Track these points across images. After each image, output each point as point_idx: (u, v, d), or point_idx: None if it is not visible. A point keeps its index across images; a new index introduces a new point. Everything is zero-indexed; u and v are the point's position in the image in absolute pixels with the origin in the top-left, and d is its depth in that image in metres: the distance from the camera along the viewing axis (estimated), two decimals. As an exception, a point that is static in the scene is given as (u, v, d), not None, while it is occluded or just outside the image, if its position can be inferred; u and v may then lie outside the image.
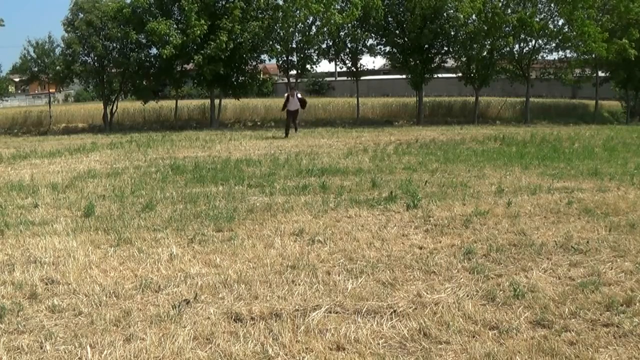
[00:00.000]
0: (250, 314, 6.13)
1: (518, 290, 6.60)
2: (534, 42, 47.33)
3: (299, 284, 6.99)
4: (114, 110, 46.21)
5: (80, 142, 30.93)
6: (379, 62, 56.89)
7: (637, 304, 6.26)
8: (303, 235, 9.36)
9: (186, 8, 39.51)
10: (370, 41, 46.89)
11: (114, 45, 44.17)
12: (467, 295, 6.60)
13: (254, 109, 51.03)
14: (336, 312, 6.15)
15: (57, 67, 45.36)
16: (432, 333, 5.63)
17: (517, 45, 47.16)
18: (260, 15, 42.06)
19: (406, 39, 45.23)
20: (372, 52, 47.41)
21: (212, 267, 7.78)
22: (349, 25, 43.82)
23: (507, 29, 44.60)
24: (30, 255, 8.40)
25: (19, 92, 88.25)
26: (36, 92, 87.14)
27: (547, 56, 50.31)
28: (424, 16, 43.18)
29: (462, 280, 7.15)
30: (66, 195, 13.36)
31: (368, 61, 52.80)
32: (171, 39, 39.11)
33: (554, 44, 47.58)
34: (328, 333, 5.67)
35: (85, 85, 50.34)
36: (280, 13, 41.54)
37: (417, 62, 45.46)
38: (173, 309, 6.27)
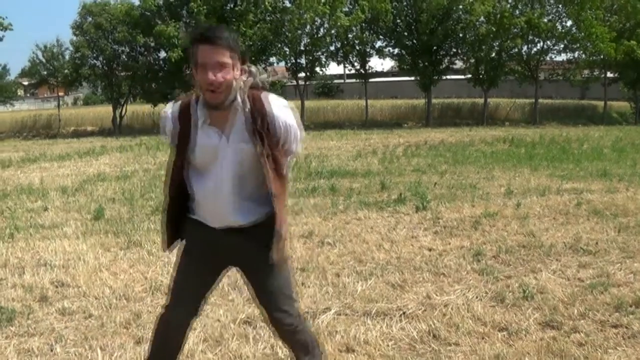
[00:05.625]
0: (260, 316, 6.15)
1: (527, 291, 6.59)
2: (542, 43, 47.36)
3: (309, 286, 7.00)
4: (123, 114, 46.35)
5: (89, 145, 31.04)
6: (387, 64, 56.90)
7: (647, 305, 6.26)
8: (312, 238, 9.36)
9: (195, 10, 39.65)
10: (379, 43, 46.97)
11: (123, 48, 44.30)
12: (477, 297, 6.60)
13: (262, 111, 51.06)
14: (345, 314, 6.16)
15: (66, 71, 45.56)
16: (441, 335, 5.64)
17: (525, 47, 47.18)
18: (268, 18, 42.18)
19: (415, 41, 45.26)
20: (381, 54, 47.45)
21: (221, 269, 7.79)
22: (357, 27, 43.87)
23: (515, 30, 44.61)
24: (40, 258, 8.42)
25: (28, 95, 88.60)
26: (45, 95, 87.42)
27: (555, 57, 50.38)
28: (434, 17, 43.26)
29: (471, 281, 7.15)
30: (76, 199, 13.41)
31: (376, 63, 52.81)
32: (180, 41, 39.24)
33: (562, 45, 47.61)
34: (337, 335, 5.67)
35: (94, 89, 50.54)
36: (288, 15, 41.61)
37: (426, 63, 45.49)
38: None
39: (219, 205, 3.94)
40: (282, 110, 3.96)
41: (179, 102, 4.03)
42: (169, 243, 4.18)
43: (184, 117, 3.94)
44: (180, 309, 4.21)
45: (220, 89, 3.72)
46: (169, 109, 4.01)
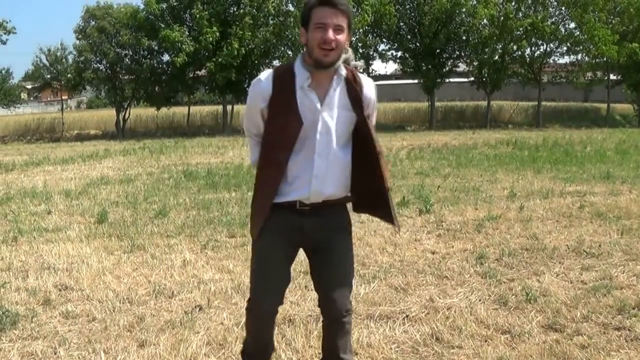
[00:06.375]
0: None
1: (530, 294, 6.60)
2: (545, 45, 47.37)
3: (312, 290, 6.98)
4: (126, 117, 46.35)
5: (93, 148, 31.08)
6: (390, 67, 56.89)
7: (649, 308, 6.26)
8: (315, 241, 9.36)
9: (197, 15, 39.67)
10: (382, 46, 47.03)
11: (126, 52, 44.28)
12: (480, 300, 6.61)
13: (266, 115, 51.09)
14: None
15: (69, 75, 45.58)
16: (444, 337, 5.64)
17: (528, 49, 47.22)
18: (271, 22, 42.18)
19: (418, 44, 45.29)
20: (384, 57, 47.50)
21: (225, 272, 7.80)
22: (360, 30, 43.90)
23: (518, 33, 44.63)
24: (44, 262, 8.44)
25: (32, 99, 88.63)
26: (49, 99, 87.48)
27: (558, 60, 50.40)
28: (437, 20, 43.33)
29: (474, 284, 7.16)
30: (79, 202, 13.42)
31: (380, 66, 52.80)
32: (184, 46, 39.23)
33: (565, 48, 47.63)
34: (341, 338, 5.68)
35: (97, 92, 50.58)
36: (291, 19, 41.62)
37: (429, 66, 45.49)
38: (186, 314, 6.29)
39: (315, 176, 4.01)
40: (370, 85, 4.19)
41: (275, 68, 4.14)
42: (259, 232, 4.18)
43: (283, 80, 4.00)
44: (269, 301, 4.27)
45: (334, 50, 3.84)
46: (263, 74, 4.07)
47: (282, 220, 4.11)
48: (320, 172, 4.00)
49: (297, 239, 4.21)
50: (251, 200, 4.34)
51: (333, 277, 4.27)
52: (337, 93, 4.01)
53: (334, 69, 3.95)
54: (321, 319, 4.52)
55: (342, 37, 3.86)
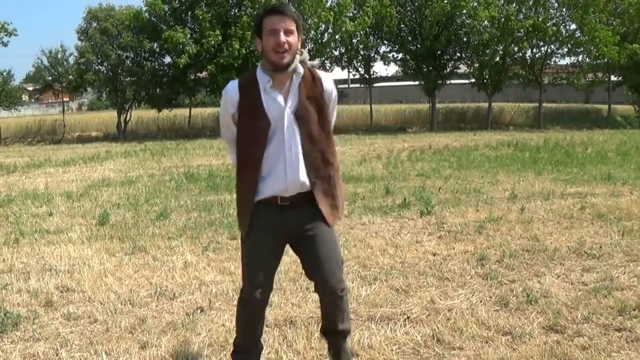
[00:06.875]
0: (265, 321, 6.16)
1: (531, 295, 6.60)
2: (546, 47, 47.32)
3: (313, 291, 6.99)
4: (127, 119, 46.32)
5: (94, 150, 31.10)
6: (392, 68, 56.94)
7: (650, 309, 6.26)
8: (316, 242, 9.35)
9: (200, 17, 39.67)
10: (383, 48, 47.02)
11: (128, 54, 44.23)
12: (481, 301, 6.61)
13: (267, 117, 51.07)
14: (350, 319, 6.17)
15: (70, 76, 45.54)
16: (445, 339, 5.64)
17: (529, 51, 47.18)
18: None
19: (419, 46, 45.27)
20: (385, 59, 47.48)
21: (226, 274, 7.80)
22: (362, 32, 43.90)
23: (519, 34, 44.60)
24: (46, 264, 8.45)
25: (33, 101, 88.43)
26: (50, 100, 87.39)
27: (559, 61, 50.39)
28: (438, 23, 43.32)
29: (475, 286, 7.16)
30: (81, 204, 13.43)
31: (381, 68, 52.82)
32: (187, 48, 39.24)
33: (565, 49, 47.60)
34: (342, 339, 5.68)
35: (98, 94, 50.52)
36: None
37: (430, 68, 45.49)
38: (188, 316, 6.30)
39: (288, 166, 4.35)
40: (329, 79, 4.55)
41: (240, 77, 4.54)
42: (247, 230, 4.54)
43: (248, 87, 4.39)
44: (260, 291, 4.55)
45: (287, 52, 4.26)
46: (230, 84, 4.49)
47: (266, 218, 4.47)
48: (291, 162, 4.34)
49: (283, 234, 4.56)
50: (235, 199, 4.68)
51: (323, 260, 4.56)
52: (296, 92, 4.38)
53: (292, 70, 4.34)
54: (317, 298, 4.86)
55: (292, 39, 4.27)
